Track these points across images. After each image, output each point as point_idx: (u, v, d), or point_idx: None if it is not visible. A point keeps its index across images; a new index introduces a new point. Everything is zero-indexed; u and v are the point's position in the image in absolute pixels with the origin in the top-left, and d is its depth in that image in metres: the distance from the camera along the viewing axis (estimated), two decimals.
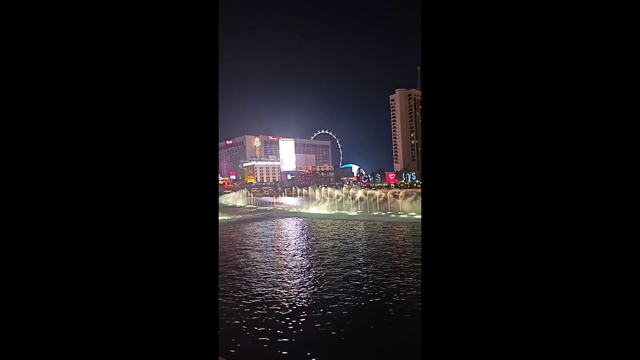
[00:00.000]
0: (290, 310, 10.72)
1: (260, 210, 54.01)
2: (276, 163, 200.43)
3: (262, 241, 24.93)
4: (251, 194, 78.37)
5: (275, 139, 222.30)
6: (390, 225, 29.39)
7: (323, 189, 50.96)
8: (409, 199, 40.10)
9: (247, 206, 70.91)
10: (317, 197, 49.94)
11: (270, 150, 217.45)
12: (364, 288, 12.75)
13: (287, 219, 40.21)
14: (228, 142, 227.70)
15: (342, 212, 42.33)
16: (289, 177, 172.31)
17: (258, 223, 36.70)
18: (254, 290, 12.83)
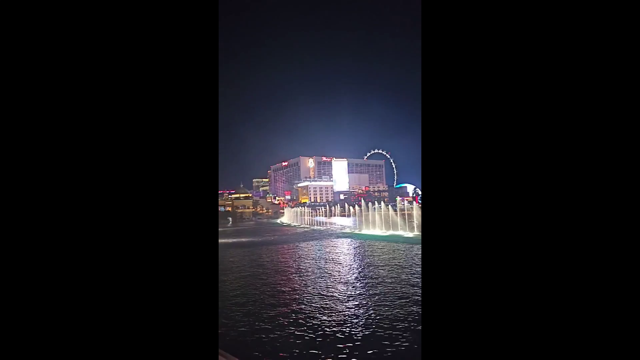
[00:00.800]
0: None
1: (314, 230, 54.36)
2: (329, 183, 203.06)
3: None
4: (304, 214, 79.73)
5: (329, 159, 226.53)
6: None
7: (377, 205, 49.70)
8: None
9: (301, 225, 72.08)
10: (370, 216, 48.76)
11: (324, 170, 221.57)
12: None
13: (341, 239, 39.72)
14: (284, 164, 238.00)
15: (397, 233, 40.56)
16: (341, 197, 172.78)
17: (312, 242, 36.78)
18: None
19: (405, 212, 46.12)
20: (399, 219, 43.90)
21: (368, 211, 50.19)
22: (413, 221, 41.48)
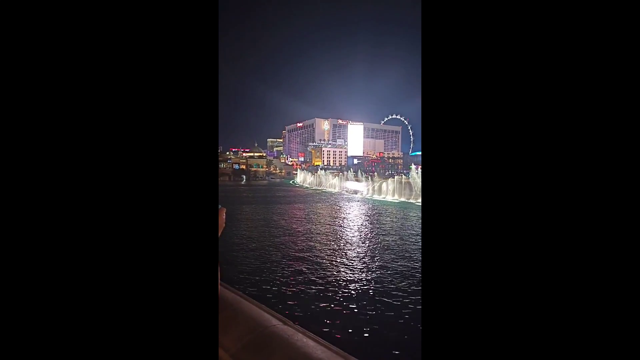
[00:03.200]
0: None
1: (325, 192, 55.03)
2: (343, 147, 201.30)
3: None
4: (317, 176, 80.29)
5: (345, 122, 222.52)
6: None
7: (390, 179, 49.45)
8: None
9: (313, 187, 72.97)
10: (383, 183, 48.75)
11: (339, 134, 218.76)
12: None
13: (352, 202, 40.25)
14: (299, 125, 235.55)
15: (410, 200, 40.72)
16: (355, 161, 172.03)
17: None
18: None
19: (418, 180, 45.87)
20: (411, 187, 43.81)
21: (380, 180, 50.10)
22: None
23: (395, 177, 48.23)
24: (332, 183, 69.04)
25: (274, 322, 4.18)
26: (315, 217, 28.26)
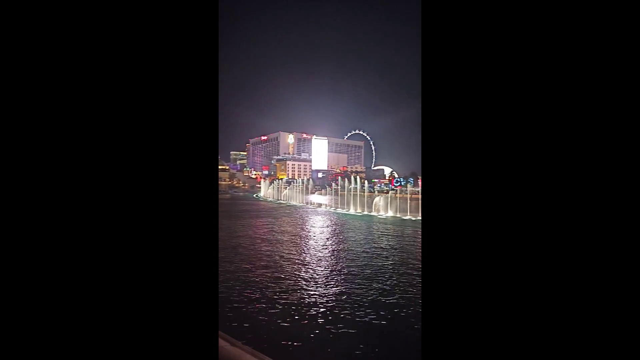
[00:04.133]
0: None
1: (290, 205, 54.73)
2: (308, 161, 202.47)
3: None
4: (282, 189, 79.68)
5: (309, 136, 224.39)
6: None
7: (353, 185, 50.69)
8: None
9: (277, 200, 72.20)
10: (346, 196, 49.75)
11: (304, 147, 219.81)
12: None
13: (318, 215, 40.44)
14: (263, 138, 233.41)
15: (372, 213, 41.83)
16: (319, 175, 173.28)
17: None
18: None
19: (381, 193, 47.35)
20: (373, 200, 45.13)
21: (344, 190, 51.12)
22: (387, 202, 42.83)
23: (358, 180, 49.47)
24: (296, 197, 68.86)
25: (222, 343, 4.00)
26: (281, 236, 27.98)
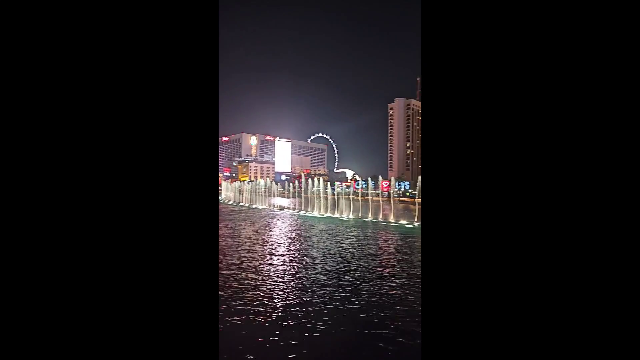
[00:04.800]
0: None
1: (252, 209, 53.70)
2: (271, 163, 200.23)
3: None
4: (243, 192, 77.94)
5: (272, 138, 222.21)
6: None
7: (316, 187, 51.01)
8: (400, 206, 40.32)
9: (239, 203, 70.51)
10: (310, 198, 49.87)
11: (266, 149, 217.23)
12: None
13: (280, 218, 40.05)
14: (224, 139, 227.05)
15: (335, 215, 42.31)
16: (283, 177, 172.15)
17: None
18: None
19: (343, 195, 48.08)
20: (336, 202, 45.69)
21: (307, 192, 51.22)
22: (350, 205, 43.58)
23: (321, 181, 49.84)
24: (258, 199, 67.73)
25: None
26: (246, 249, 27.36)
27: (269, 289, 12.26)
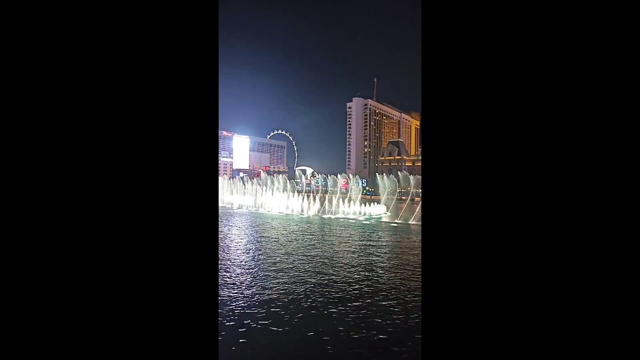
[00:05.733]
0: None
1: None
2: (229, 159, 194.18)
3: None
4: None
5: (230, 134, 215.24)
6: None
7: (278, 177, 50.83)
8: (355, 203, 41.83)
9: None
10: (269, 197, 49.64)
11: (224, 145, 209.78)
12: None
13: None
14: None
15: (293, 213, 42.59)
16: (241, 174, 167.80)
17: None
18: None
19: (304, 193, 48.44)
20: (295, 201, 46.01)
21: (267, 190, 50.85)
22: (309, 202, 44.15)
23: (283, 177, 49.78)
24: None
25: None
26: None
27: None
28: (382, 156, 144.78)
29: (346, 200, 42.89)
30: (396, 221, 34.18)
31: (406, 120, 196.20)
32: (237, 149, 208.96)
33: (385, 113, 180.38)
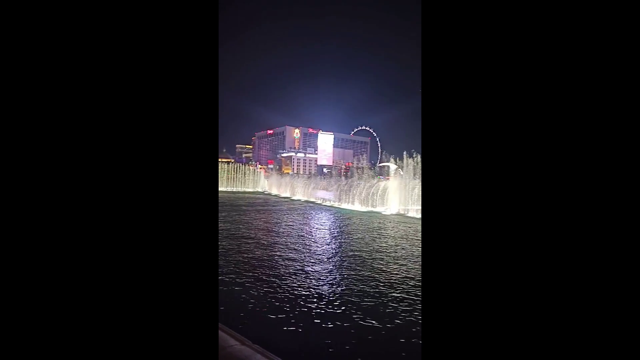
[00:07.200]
0: None
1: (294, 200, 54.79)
2: (314, 156, 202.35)
3: None
4: (286, 184, 79.96)
5: (315, 131, 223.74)
6: None
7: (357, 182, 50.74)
8: None
9: (282, 195, 72.57)
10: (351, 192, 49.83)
11: (309, 142, 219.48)
12: None
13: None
14: (269, 132, 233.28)
15: (376, 210, 41.86)
16: (325, 170, 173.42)
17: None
18: None
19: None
20: (377, 197, 45.12)
21: (349, 187, 51.21)
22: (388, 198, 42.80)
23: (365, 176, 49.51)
24: (300, 191, 69.07)
25: (232, 342, 3.90)
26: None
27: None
28: None
29: None
30: None
31: None
32: (322, 145, 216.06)
33: None
